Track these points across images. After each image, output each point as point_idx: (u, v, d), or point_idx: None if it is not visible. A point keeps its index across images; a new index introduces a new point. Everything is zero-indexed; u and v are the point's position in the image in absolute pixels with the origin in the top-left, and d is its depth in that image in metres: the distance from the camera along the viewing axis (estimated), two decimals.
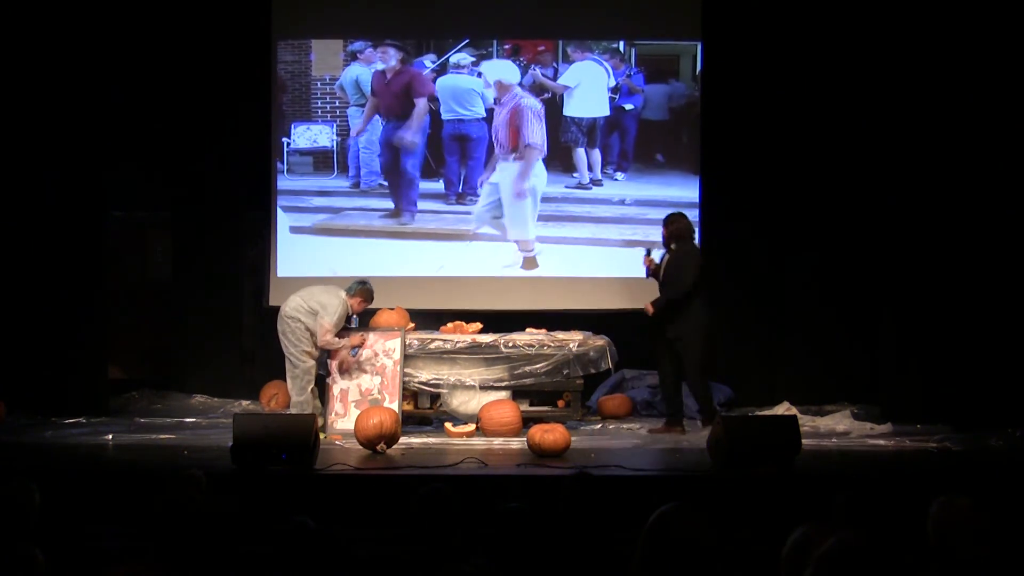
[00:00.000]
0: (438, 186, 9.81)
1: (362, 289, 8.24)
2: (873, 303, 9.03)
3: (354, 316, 8.30)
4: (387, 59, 9.75)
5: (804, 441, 6.74)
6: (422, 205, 9.80)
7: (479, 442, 7.71)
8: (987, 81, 8.39)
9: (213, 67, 9.72)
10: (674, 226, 8.15)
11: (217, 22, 9.70)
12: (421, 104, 9.74)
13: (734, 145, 9.66)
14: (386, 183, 9.78)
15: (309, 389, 8.00)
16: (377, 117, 9.78)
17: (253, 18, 9.73)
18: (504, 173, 9.70)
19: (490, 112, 9.70)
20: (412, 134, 9.73)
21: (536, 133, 9.62)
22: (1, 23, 8.72)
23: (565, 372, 8.34)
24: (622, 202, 9.71)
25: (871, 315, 9.06)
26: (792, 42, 9.47)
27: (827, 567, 2.56)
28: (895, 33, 8.68)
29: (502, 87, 9.67)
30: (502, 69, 9.71)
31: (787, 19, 9.47)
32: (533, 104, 9.63)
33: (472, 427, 8.01)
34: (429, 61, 9.76)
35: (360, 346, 8.21)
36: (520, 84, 9.69)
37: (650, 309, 8.08)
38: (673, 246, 8.13)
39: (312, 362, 8.03)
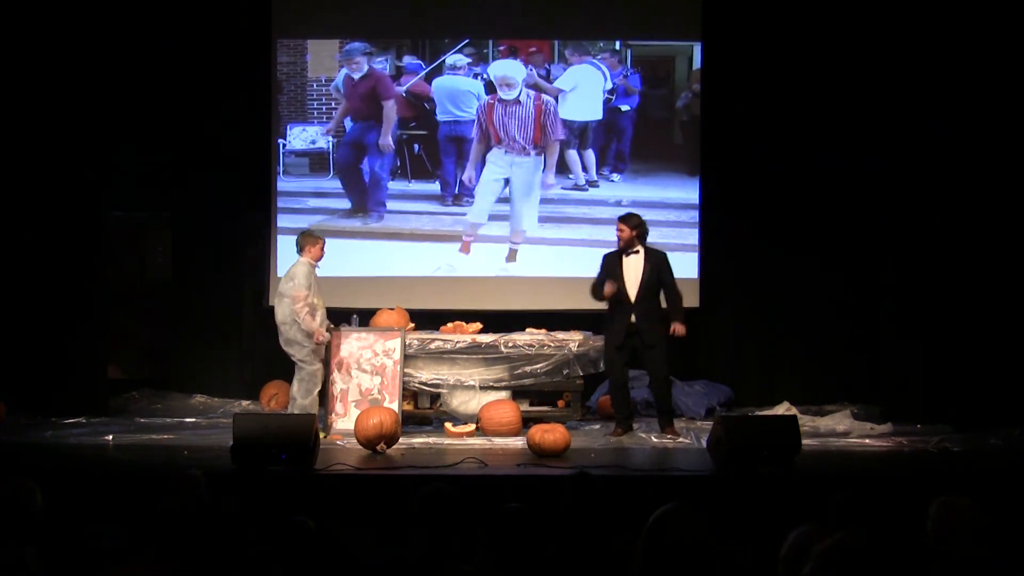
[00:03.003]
0: (434, 187, 9.81)
1: (308, 238, 8.11)
2: (873, 303, 9.04)
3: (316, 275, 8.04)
4: (359, 67, 9.75)
5: (804, 441, 6.75)
6: (419, 207, 9.80)
7: (479, 442, 7.71)
8: (987, 80, 8.39)
9: (213, 67, 9.72)
10: (639, 225, 7.88)
11: (217, 22, 9.70)
12: (388, 106, 9.74)
13: (734, 145, 9.66)
14: (342, 181, 9.82)
15: (315, 393, 7.93)
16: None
17: (253, 17, 9.73)
18: (522, 168, 9.68)
19: (485, 109, 9.70)
20: (383, 137, 9.74)
21: (562, 128, 9.69)
22: (2, 23, 8.72)
23: (565, 372, 8.35)
24: (619, 203, 9.69)
25: (871, 315, 9.07)
26: (792, 42, 9.47)
27: (826, 565, 2.56)
28: (895, 32, 8.69)
29: (513, 85, 9.66)
30: (511, 68, 9.72)
31: (787, 19, 9.47)
32: (551, 100, 9.68)
33: (472, 427, 8.01)
34: (408, 59, 9.77)
35: (318, 344, 8.01)
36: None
37: (683, 330, 7.78)
38: (639, 248, 7.89)
39: (318, 365, 7.97)
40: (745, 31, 9.61)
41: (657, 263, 7.89)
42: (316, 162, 9.87)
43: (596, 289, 7.99)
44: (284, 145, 9.84)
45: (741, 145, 9.65)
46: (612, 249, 8.06)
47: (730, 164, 9.67)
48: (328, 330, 8.09)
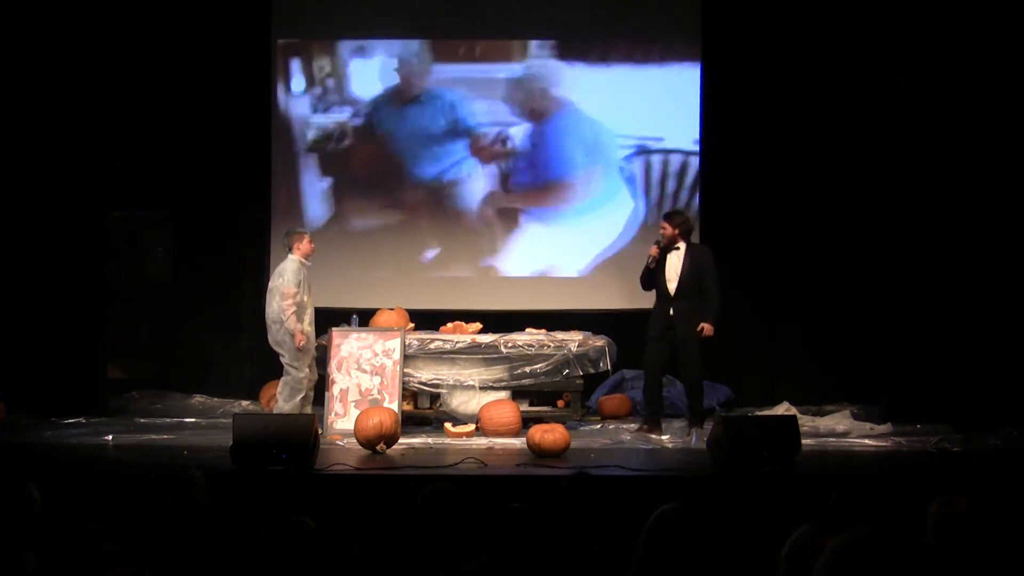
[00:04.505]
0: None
1: (294, 235, 8.17)
2: (873, 303, 9.04)
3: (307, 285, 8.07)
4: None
5: (804, 441, 6.75)
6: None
7: (479, 442, 7.71)
8: (987, 73, 8.38)
9: (213, 67, 9.72)
10: (683, 224, 8.06)
11: (218, 22, 9.70)
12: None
13: (734, 145, 9.66)
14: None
15: (297, 399, 7.97)
16: None
17: (253, 18, 9.73)
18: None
19: None
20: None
21: None
22: (2, 24, 8.72)
23: (565, 372, 8.34)
24: None
25: (871, 314, 9.07)
26: (791, 35, 9.46)
27: (839, 561, 2.53)
28: (893, 24, 8.67)
29: None
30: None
31: (789, 17, 9.46)
32: None
33: (472, 427, 8.01)
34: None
35: (298, 348, 8.00)
36: None
37: (711, 329, 7.88)
38: (681, 244, 8.04)
39: (304, 373, 8.01)
40: (746, 34, 9.60)
41: (699, 260, 8.01)
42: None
43: (643, 280, 8.17)
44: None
45: (741, 145, 9.64)
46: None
47: (730, 163, 9.67)
48: (316, 346, 8.15)
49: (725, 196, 9.67)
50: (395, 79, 9.80)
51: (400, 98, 9.80)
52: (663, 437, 7.89)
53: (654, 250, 8.04)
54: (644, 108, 9.73)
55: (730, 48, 9.66)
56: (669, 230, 8.01)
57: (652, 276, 8.07)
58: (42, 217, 8.83)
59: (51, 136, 8.80)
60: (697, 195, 9.67)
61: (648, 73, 9.76)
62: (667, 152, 9.76)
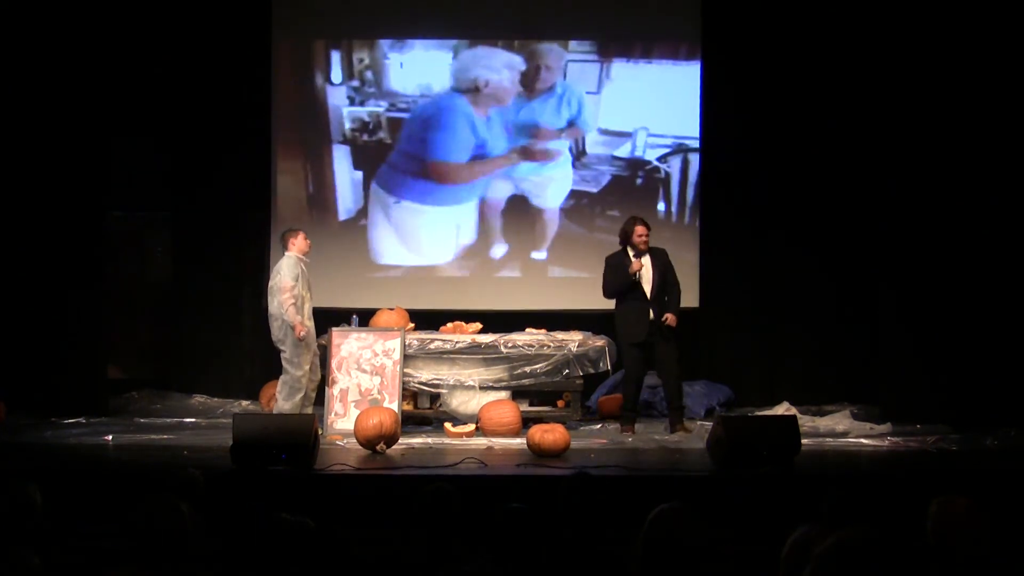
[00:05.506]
0: None
1: (289, 234, 8.20)
2: (873, 303, 9.04)
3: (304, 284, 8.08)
4: None
5: (804, 441, 6.75)
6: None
7: (479, 442, 7.71)
8: (987, 73, 8.37)
9: (214, 67, 9.72)
10: (650, 227, 8.15)
11: (218, 21, 9.70)
12: None
13: (733, 146, 9.66)
14: None
15: (297, 398, 7.98)
16: None
17: (253, 18, 9.73)
18: None
19: None
20: None
21: None
22: (3, 24, 8.72)
23: (565, 372, 8.34)
24: None
25: (871, 315, 9.07)
26: (791, 34, 9.46)
27: (827, 566, 2.55)
28: (893, 24, 8.66)
29: None
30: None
31: (789, 19, 9.46)
32: None
33: (472, 427, 8.01)
34: None
35: (299, 338, 8.03)
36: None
37: (674, 320, 8.01)
38: (646, 249, 8.08)
39: (303, 371, 8.02)
40: (745, 33, 9.60)
41: (664, 260, 8.12)
42: None
43: (610, 287, 8.15)
44: None
45: (741, 144, 9.64)
46: (614, 251, 8.21)
47: (730, 162, 9.67)
48: (318, 342, 8.16)
49: (725, 195, 9.67)
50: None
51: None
52: (676, 436, 7.91)
53: (637, 264, 8.04)
54: (645, 106, 9.73)
55: (730, 48, 9.66)
56: (647, 234, 8.06)
57: (629, 285, 8.04)
58: (42, 217, 8.83)
59: (51, 136, 8.80)
60: (698, 194, 9.66)
61: (649, 70, 9.75)
62: (668, 151, 9.76)
